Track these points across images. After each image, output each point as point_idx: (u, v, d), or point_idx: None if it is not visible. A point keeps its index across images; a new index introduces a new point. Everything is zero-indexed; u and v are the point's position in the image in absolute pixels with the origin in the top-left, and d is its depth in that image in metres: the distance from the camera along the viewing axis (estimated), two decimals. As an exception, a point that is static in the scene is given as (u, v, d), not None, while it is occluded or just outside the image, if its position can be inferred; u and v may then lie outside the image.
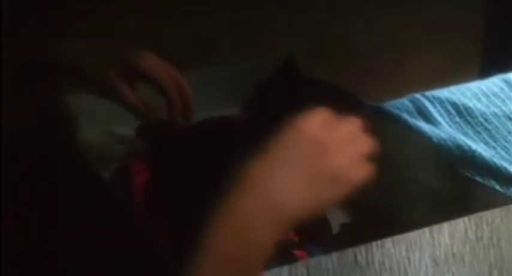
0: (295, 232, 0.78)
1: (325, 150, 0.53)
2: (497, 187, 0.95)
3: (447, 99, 1.10)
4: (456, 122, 1.08)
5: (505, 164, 0.98)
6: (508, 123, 1.07)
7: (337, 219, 0.85)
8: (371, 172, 0.56)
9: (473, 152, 0.99)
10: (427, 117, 1.08)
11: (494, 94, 1.13)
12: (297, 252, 0.75)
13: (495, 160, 0.98)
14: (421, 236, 0.63)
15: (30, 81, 0.85)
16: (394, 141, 0.93)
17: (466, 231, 0.63)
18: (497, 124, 1.07)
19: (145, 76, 0.84)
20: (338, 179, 0.53)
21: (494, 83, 1.16)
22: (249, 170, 0.53)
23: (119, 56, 0.84)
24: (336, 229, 0.84)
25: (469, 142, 1.01)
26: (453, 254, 0.63)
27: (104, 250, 0.69)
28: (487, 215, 0.64)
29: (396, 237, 0.62)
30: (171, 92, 0.85)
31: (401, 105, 1.10)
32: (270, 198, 0.51)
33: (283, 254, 0.73)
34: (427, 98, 1.11)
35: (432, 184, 0.84)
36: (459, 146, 1.00)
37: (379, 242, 0.62)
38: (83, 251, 0.70)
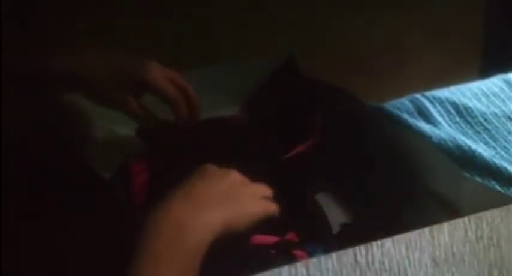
0: (295, 232, 0.78)
1: (234, 183, 0.67)
2: (498, 187, 0.95)
3: (447, 99, 1.10)
4: (456, 122, 1.08)
5: (505, 164, 0.98)
6: (508, 124, 1.07)
7: (337, 219, 0.85)
8: (272, 208, 0.68)
9: (473, 152, 0.99)
10: (427, 117, 1.08)
11: (495, 94, 1.14)
12: (297, 252, 0.75)
13: (495, 160, 0.98)
14: (421, 236, 0.63)
15: (30, 82, 0.85)
16: (394, 141, 0.93)
17: (466, 231, 0.63)
18: (497, 124, 1.07)
19: (150, 88, 0.84)
20: (246, 202, 0.66)
21: (494, 83, 1.17)
22: (179, 187, 0.64)
23: (121, 67, 0.83)
24: (335, 229, 0.84)
25: (469, 142, 1.01)
26: (453, 254, 0.63)
27: (103, 250, 0.70)
28: (487, 215, 0.64)
29: (396, 237, 0.62)
30: (177, 102, 0.86)
31: (401, 105, 1.10)
32: (199, 207, 0.61)
33: (283, 254, 0.73)
34: (427, 98, 1.11)
35: (432, 184, 0.84)
36: (459, 146, 1.00)
37: (379, 242, 0.62)
38: (83, 251, 0.70)
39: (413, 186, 0.84)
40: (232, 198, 0.64)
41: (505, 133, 1.06)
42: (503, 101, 1.12)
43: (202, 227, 0.59)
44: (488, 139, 1.05)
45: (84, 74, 0.81)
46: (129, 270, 0.56)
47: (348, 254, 0.61)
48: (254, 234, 0.74)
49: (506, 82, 1.16)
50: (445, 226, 0.63)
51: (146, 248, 0.57)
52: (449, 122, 1.08)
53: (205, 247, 0.59)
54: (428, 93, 1.12)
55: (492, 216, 0.64)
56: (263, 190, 0.70)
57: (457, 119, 1.08)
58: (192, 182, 0.65)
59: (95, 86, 0.83)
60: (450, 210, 0.80)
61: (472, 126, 1.07)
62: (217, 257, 0.60)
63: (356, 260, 0.61)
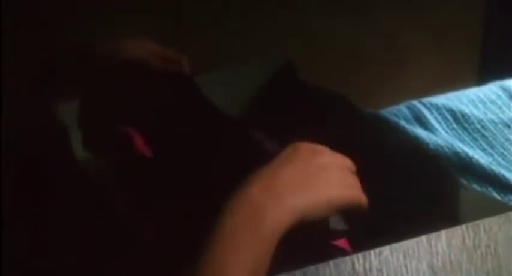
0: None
1: (322, 166, 0.63)
2: (495, 194, 0.95)
3: (444, 106, 1.11)
4: (453, 129, 1.08)
5: (503, 171, 0.98)
6: (505, 130, 1.07)
7: (335, 226, 0.84)
8: (358, 198, 0.65)
9: (471, 158, 0.99)
10: (424, 124, 1.08)
11: (492, 101, 1.14)
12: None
13: (492, 167, 0.98)
14: (419, 244, 0.63)
15: (30, 83, 0.85)
16: (391, 148, 0.93)
17: (463, 238, 0.63)
18: (494, 131, 1.07)
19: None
20: (333, 187, 0.62)
21: (491, 89, 1.17)
22: (262, 169, 0.61)
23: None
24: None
25: (466, 149, 1.01)
26: (451, 262, 0.63)
27: (96, 250, 0.70)
28: (484, 223, 0.64)
29: (394, 245, 0.62)
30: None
31: (398, 112, 1.10)
32: (279, 192, 0.58)
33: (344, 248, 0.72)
34: (424, 104, 1.11)
35: (429, 191, 0.84)
36: (456, 153, 1.00)
37: (376, 249, 0.62)
38: (76, 251, 0.70)
39: (410, 193, 0.84)
40: (316, 183, 0.61)
41: (502, 140, 1.06)
42: (500, 107, 1.12)
43: (280, 213, 0.57)
44: (485, 146, 1.05)
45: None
46: (201, 252, 0.55)
47: (345, 262, 0.61)
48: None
49: (503, 89, 1.16)
50: (443, 234, 0.63)
51: (221, 229, 0.56)
52: (447, 129, 1.08)
53: (281, 234, 0.57)
54: (425, 100, 1.12)
55: (490, 224, 0.64)
56: (351, 178, 0.66)
57: (454, 125, 1.08)
58: (280, 162, 0.62)
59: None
60: (448, 218, 0.80)
61: (469, 133, 1.07)
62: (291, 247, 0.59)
63: (354, 268, 0.61)
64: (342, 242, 0.73)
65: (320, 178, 0.61)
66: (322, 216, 0.61)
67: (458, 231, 0.64)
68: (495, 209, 0.76)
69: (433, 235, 0.63)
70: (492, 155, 1.03)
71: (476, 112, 1.10)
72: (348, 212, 0.64)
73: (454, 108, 1.10)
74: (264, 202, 0.57)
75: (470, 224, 0.64)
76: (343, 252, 0.70)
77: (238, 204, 0.57)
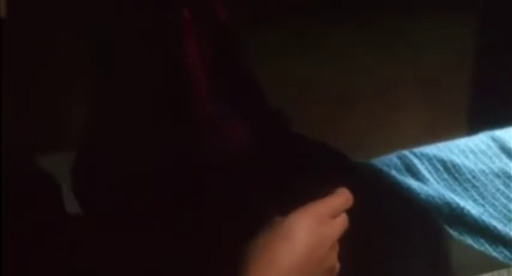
0: None
1: (314, 251, 0.62)
2: (487, 245, 0.95)
3: (435, 156, 1.11)
4: (444, 179, 1.08)
5: (494, 222, 0.97)
6: (496, 181, 1.07)
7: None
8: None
9: (462, 209, 0.99)
10: (415, 174, 1.08)
11: (482, 151, 1.14)
12: None
13: (483, 218, 0.98)
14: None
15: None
16: (383, 198, 0.92)
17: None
18: (485, 181, 1.07)
19: None
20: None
21: (481, 140, 1.17)
22: (257, 252, 0.60)
23: None
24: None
25: (458, 199, 1.01)
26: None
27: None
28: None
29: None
30: None
31: (389, 162, 1.10)
32: None
33: None
34: (415, 154, 1.12)
35: (420, 243, 0.84)
36: (448, 204, 1.00)
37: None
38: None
39: (400, 245, 0.83)
40: (309, 270, 0.62)
41: (493, 190, 1.06)
42: (490, 158, 1.13)
43: None
44: (476, 196, 1.05)
45: None
46: None
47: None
48: None
49: (494, 139, 1.17)
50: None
51: None
52: (438, 179, 1.08)
53: None
54: (416, 150, 1.13)
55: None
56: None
57: (445, 175, 1.08)
58: (276, 246, 0.61)
59: None
60: (439, 272, 0.79)
61: (460, 183, 1.07)
62: None
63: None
64: None
65: (313, 265, 0.62)
66: None
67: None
68: (488, 265, 0.76)
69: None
70: (483, 206, 1.03)
71: (467, 162, 1.10)
72: None
73: (445, 158, 1.10)
74: None
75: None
76: None
77: None
